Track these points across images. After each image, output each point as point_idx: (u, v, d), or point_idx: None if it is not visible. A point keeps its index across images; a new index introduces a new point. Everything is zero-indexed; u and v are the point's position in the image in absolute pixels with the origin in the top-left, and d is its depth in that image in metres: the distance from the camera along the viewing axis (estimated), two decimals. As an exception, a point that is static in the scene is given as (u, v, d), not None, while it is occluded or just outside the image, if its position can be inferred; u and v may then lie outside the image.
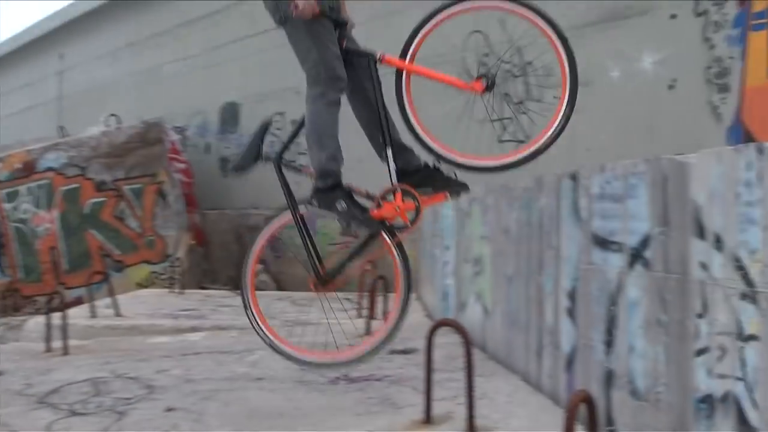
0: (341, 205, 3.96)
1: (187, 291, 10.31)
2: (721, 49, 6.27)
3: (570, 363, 3.65)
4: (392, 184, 3.93)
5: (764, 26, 5.67)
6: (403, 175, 3.94)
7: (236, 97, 13.93)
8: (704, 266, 2.59)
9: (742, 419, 2.40)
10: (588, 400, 2.66)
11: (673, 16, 6.74)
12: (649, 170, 2.96)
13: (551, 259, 3.94)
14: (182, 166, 13.64)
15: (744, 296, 2.39)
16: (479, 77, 3.74)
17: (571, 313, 3.65)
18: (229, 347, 5.74)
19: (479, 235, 5.42)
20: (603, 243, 3.30)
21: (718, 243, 2.51)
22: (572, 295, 3.64)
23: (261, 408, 3.96)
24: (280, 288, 11.46)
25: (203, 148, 14.68)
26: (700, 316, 2.62)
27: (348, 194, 4.01)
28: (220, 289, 11.12)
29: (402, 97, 3.91)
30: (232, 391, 4.32)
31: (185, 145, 14.51)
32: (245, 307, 4.55)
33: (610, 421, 3.20)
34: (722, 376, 2.50)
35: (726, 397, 2.48)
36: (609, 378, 3.23)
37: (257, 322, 4.53)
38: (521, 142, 7.94)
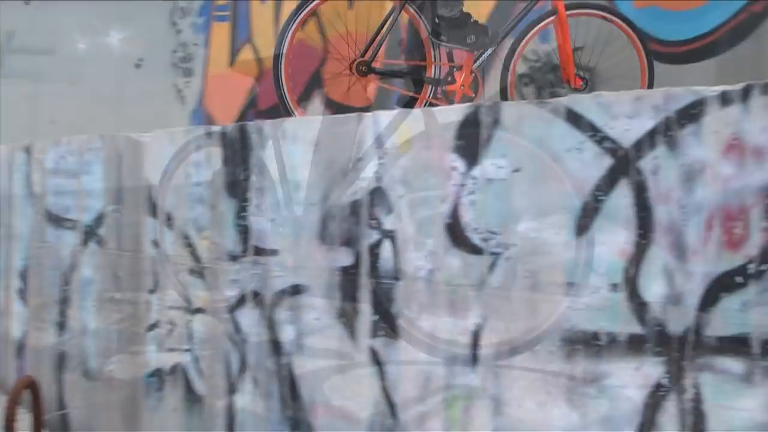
0: (471, 38, 2.90)
1: None
2: (187, 35, 6.26)
3: (21, 348, 3.20)
4: None
5: (226, 18, 5.81)
6: None
7: None
8: (156, 243, 2.45)
9: (189, 389, 2.34)
10: (32, 386, 2.35)
11: (144, -3, 6.55)
12: (104, 146, 2.70)
13: (3, 238, 3.41)
14: None
15: (192, 271, 2.31)
16: None
17: (23, 295, 3.20)
18: None
19: None
20: (57, 220, 2.93)
21: (170, 221, 2.39)
22: (24, 276, 3.19)
23: None
24: None
25: None
26: (151, 291, 2.47)
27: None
28: None
29: None
30: None
31: None
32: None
33: (62, 405, 2.88)
34: (171, 350, 2.40)
35: (175, 369, 2.39)
36: (62, 360, 2.89)
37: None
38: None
